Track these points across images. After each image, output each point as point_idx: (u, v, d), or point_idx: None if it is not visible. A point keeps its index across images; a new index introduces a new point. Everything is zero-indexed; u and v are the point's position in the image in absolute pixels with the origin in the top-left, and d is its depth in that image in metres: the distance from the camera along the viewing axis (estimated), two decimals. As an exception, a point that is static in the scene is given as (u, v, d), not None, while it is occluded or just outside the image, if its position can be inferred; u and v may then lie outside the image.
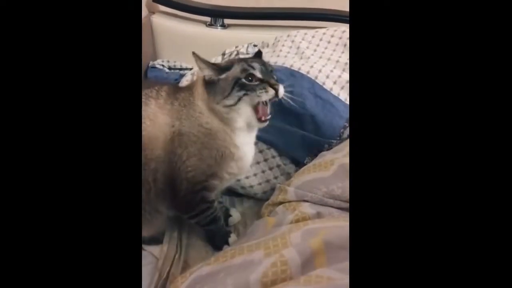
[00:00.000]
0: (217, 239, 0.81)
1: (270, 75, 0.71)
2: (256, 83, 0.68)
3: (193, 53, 0.69)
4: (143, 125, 0.68)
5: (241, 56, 0.74)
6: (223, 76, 0.70)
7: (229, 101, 0.68)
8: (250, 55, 0.98)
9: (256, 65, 0.70)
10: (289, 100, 0.73)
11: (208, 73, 0.70)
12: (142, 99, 0.71)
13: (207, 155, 0.70)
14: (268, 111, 0.71)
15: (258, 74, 0.69)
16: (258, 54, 0.81)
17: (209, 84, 0.71)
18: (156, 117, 0.70)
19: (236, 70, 0.69)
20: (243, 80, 0.68)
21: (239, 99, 0.68)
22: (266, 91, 0.68)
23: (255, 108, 0.69)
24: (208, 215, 0.76)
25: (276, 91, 0.68)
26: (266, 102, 0.69)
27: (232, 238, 0.81)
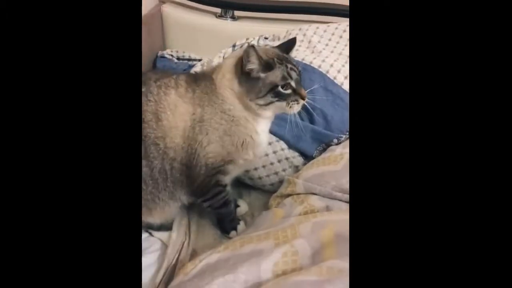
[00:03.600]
0: (226, 222, 0.82)
1: (301, 84, 0.73)
2: (289, 91, 0.70)
3: (252, 46, 0.67)
4: (163, 115, 0.70)
5: (280, 53, 0.73)
6: (263, 75, 0.69)
7: (261, 102, 0.70)
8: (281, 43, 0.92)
9: (293, 74, 0.71)
10: (308, 106, 0.77)
11: (253, 67, 0.69)
12: (162, 89, 0.72)
13: (228, 142, 0.72)
14: None
15: (293, 84, 0.71)
16: (292, 42, 0.79)
17: (245, 76, 0.70)
18: (176, 107, 0.71)
19: (276, 75, 0.69)
20: (280, 89, 0.69)
21: (271, 103, 0.70)
22: (298, 103, 0.72)
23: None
24: (220, 198, 0.77)
25: (304, 100, 0.72)
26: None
27: (241, 226, 0.83)
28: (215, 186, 0.75)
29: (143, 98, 0.70)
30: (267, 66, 0.69)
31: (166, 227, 0.81)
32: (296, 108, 0.71)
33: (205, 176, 0.73)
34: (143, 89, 0.71)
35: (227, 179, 0.78)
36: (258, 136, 0.75)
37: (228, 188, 0.79)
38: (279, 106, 0.71)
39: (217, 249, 0.62)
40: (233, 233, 0.82)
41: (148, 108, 0.70)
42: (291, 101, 0.70)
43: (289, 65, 0.71)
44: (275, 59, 0.70)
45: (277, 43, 1.12)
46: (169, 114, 0.70)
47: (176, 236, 0.78)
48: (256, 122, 0.74)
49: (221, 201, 0.78)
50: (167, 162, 0.71)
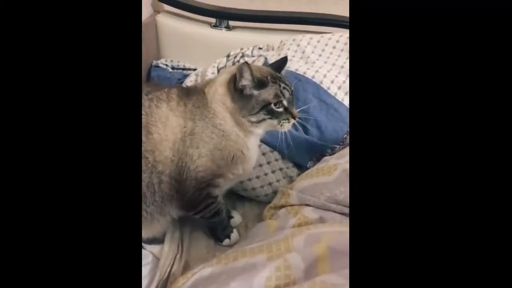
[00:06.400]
0: (219, 231, 0.82)
1: (293, 103, 0.74)
2: (281, 110, 0.71)
3: (246, 63, 0.68)
4: (154, 128, 0.69)
5: (274, 72, 0.75)
6: (256, 93, 0.70)
7: (254, 119, 0.71)
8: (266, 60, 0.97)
9: (286, 93, 0.72)
10: (297, 125, 0.77)
11: (246, 83, 0.69)
12: (153, 102, 0.71)
13: (219, 156, 0.72)
14: None
15: (285, 103, 0.72)
16: (283, 61, 0.80)
17: (238, 93, 0.71)
18: (168, 120, 0.70)
19: (269, 92, 0.70)
20: (272, 106, 0.70)
21: (263, 120, 0.71)
22: (288, 122, 0.72)
23: None
24: (212, 209, 0.77)
25: (295, 119, 0.73)
26: None
27: (235, 234, 0.83)
28: (206, 198, 0.75)
29: None
30: (261, 83, 0.70)
31: (158, 240, 0.80)
32: (286, 126, 0.72)
33: (195, 190, 0.73)
34: None
35: (217, 191, 0.77)
36: (248, 152, 0.75)
37: (220, 198, 0.79)
38: (271, 123, 0.72)
39: (210, 263, 0.61)
40: (226, 241, 0.82)
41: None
42: (282, 120, 0.71)
43: (282, 84, 0.72)
44: (269, 77, 0.72)
45: (271, 53, 1.14)
46: (160, 128, 0.70)
47: (168, 249, 0.77)
48: (247, 138, 0.74)
49: (212, 211, 0.77)
50: (155, 176, 0.70)
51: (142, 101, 0.71)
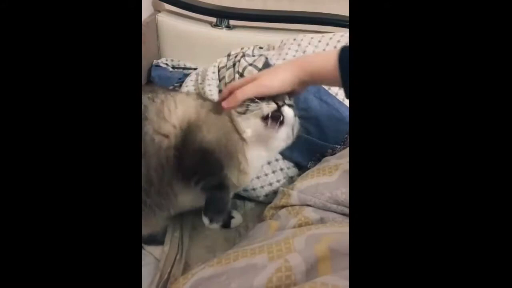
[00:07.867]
0: (212, 208, 0.70)
1: (283, 98, 0.73)
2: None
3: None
4: (166, 108, 0.71)
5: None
6: None
7: (239, 109, 0.72)
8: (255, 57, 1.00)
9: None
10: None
11: None
12: (170, 94, 0.74)
13: (223, 143, 0.71)
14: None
15: None
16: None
17: None
18: (184, 101, 0.73)
19: None
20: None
21: (247, 108, 0.71)
22: (268, 104, 0.71)
23: (264, 119, 0.71)
24: (214, 179, 0.70)
25: (279, 107, 0.70)
26: (273, 117, 0.71)
27: (237, 219, 0.82)
28: (208, 162, 0.70)
29: (149, 102, 0.71)
30: None
31: (157, 240, 0.80)
32: (265, 108, 0.70)
33: (195, 152, 0.69)
34: (149, 95, 0.72)
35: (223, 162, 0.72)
36: (246, 162, 0.74)
37: (227, 172, 0.71)
38: (256, 114, 0.71)
39: (210, 263, 0.61)
40: (205, 220, 0.69)
41: (152, 107, 0.70)
42: (261, 102, 0.71)
43: None
44: None
45: (271, 53, 1.13)
46: (173, 107, 0.71)
47: (168, 250, 0.77)
48: (246, 146, 0.74)
49: (214, 181, 0.70)
50: (163, 156, 0.68)
51: (159, 94, 0.73)
